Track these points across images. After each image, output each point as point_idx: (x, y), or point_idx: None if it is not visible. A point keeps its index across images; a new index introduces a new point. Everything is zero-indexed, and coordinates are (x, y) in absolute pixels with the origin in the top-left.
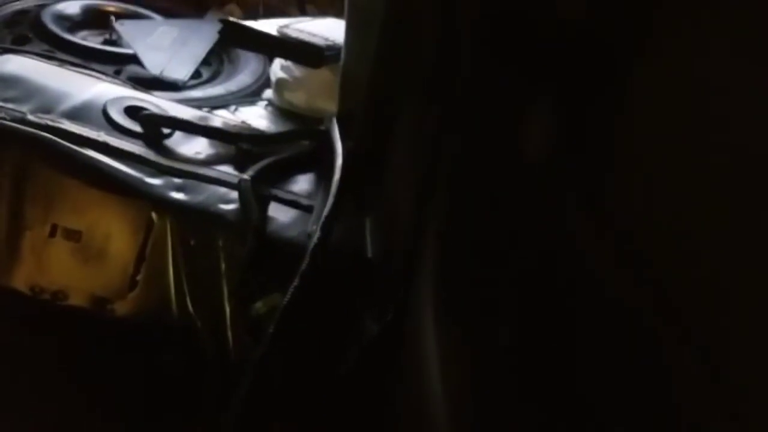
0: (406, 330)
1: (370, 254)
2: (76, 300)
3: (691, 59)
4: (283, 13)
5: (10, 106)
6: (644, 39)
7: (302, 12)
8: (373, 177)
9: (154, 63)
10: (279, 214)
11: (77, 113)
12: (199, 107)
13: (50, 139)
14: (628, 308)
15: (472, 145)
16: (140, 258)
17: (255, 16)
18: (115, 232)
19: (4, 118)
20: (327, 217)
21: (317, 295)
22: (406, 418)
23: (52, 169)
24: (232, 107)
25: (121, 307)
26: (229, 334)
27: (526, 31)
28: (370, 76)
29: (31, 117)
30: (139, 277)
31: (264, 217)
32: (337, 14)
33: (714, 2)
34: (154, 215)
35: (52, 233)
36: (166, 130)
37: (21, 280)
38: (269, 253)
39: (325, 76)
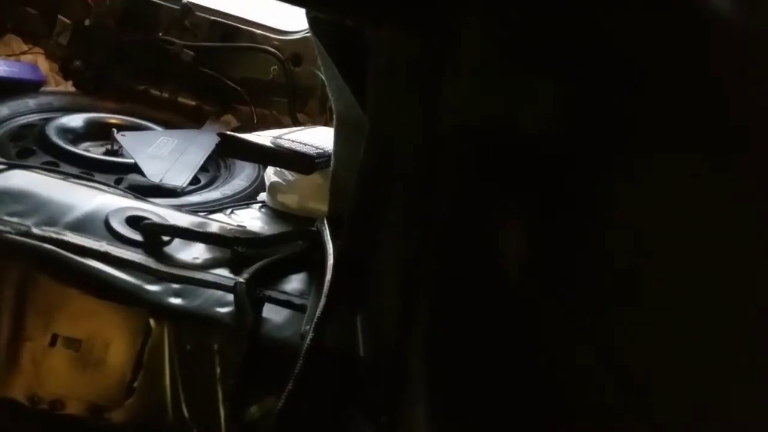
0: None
1: (362, 353)
2: (73, 409)
3: (661, 175)
4: (276, 122)
5: (15, 220)
6: (612, 154)
7: (294, 121)
8: (363, 276)
9: (154, 171)
10: (273, 314)
11: (80, 225)
12: (197, 212)
13: (53, 251)
14: (613, 413)
15: (452, 253)
16: (138, 365)
17: (250, 126)
18: (113, 340)
19: (9, 232)
20: (319, 318)
21: (311, 398)
22: None
23: (54, 280)
24: (228, 210)
25: (118, 415)
26: None
27: (500, 147)
28: (357, 184)
29: (35, 230)
30: (136, 384)
31: (258, 320)
32: (327, 123)
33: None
34: (152, 321)
35: (53, 343)
36: (165, 238)
37: (19, 390)
38: (263, 355)
39: (315, 179)
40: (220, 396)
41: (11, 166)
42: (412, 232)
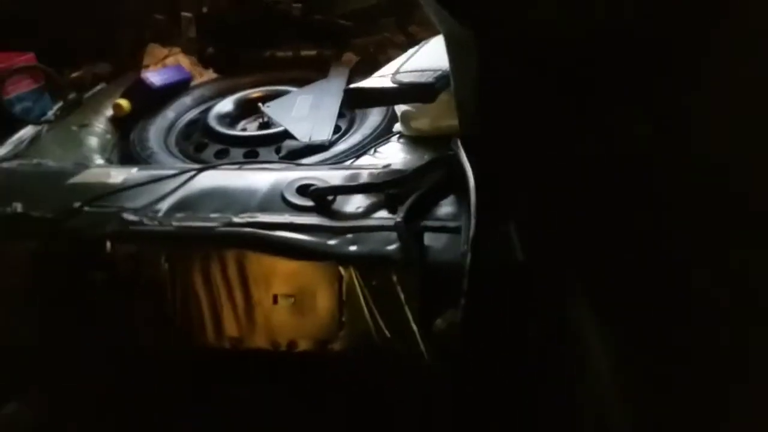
0: (569, 331)
1: (521, 258)
2: (304, 346)
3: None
4: (392, 44)
5: (218, 215)
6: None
7: (407, 37)
8: (505, 188)
9: (302, 132)
10: (433, 242)
11: (265, 205)
12: (346, 160)
13: (254, 232)
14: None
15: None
16: (341, 304)
17: (369, 58)
18: (318, 289)
19: (219, 226)
20: (473, 239)
21: (485, 305)
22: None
23: (261, 254)
24: (372, 150)
25: (338, 345)
26: (423, 349)
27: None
28: (477, 103)
29: (236, 219)
30: (344, 319)
31: (422, 250)
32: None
33: None
34: (341, 269)
35: (275, 302)
36: (330, 197)
37: (262, 340)
38: (434, 279)
39: (442, 98)
40: (410, 316)
41: (199, 171)
42: (533, 143)
